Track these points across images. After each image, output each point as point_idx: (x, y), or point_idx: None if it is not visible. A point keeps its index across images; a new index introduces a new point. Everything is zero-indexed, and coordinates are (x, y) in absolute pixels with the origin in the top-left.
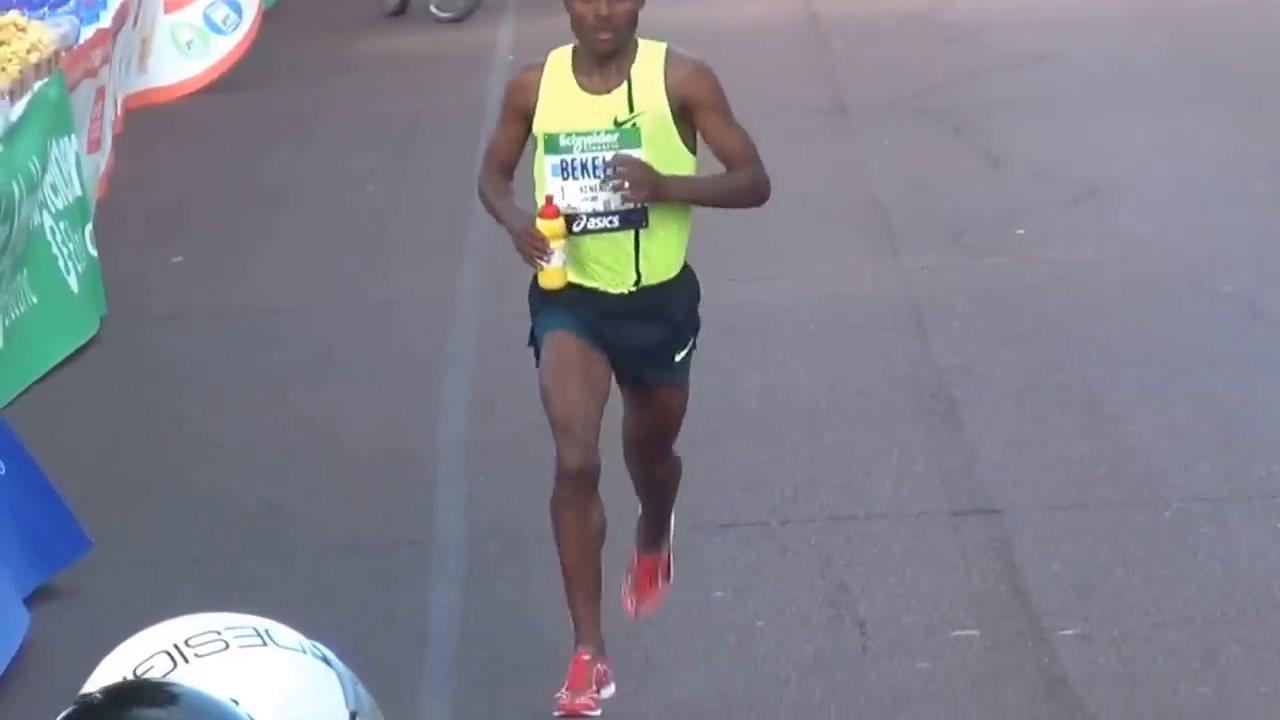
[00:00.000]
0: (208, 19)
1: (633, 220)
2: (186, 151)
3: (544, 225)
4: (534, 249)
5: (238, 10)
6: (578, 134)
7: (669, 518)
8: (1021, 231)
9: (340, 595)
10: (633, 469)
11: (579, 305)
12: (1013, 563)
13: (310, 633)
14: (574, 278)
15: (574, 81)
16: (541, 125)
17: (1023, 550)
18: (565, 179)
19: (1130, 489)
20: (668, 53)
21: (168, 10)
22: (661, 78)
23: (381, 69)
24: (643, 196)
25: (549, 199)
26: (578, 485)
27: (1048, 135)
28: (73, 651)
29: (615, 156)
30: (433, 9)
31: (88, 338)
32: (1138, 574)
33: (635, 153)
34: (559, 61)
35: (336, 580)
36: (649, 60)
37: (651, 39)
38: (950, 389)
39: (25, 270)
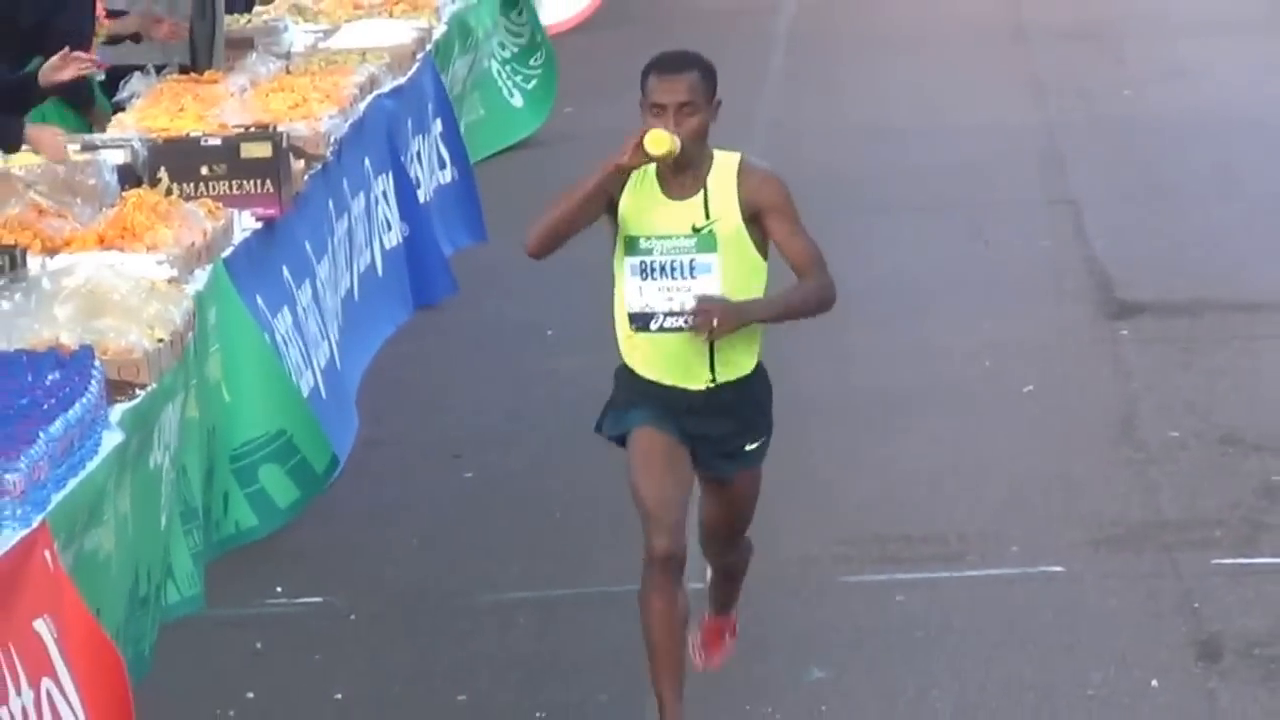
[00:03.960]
0: None
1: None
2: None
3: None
4: (638, 136)
5: None
6: (658, 238)
7: (739, 591)
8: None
9: None
10: (709, 556)
11: (659, 400)
12: None
13: None
14: (651, 375)
15: (656, 185)
16: (625, 227)
17: None
18: (644, 279)
19: None
20: (741, 162)
21: None
22: (735, 187)
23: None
24: (728, 331)
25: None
26: (664, 569)
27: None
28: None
29: (699, 299)
30: None
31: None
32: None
33: (711, 259)
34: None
35: None
36: (724, 170)
37: (728, 149)
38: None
39: (476, 92)
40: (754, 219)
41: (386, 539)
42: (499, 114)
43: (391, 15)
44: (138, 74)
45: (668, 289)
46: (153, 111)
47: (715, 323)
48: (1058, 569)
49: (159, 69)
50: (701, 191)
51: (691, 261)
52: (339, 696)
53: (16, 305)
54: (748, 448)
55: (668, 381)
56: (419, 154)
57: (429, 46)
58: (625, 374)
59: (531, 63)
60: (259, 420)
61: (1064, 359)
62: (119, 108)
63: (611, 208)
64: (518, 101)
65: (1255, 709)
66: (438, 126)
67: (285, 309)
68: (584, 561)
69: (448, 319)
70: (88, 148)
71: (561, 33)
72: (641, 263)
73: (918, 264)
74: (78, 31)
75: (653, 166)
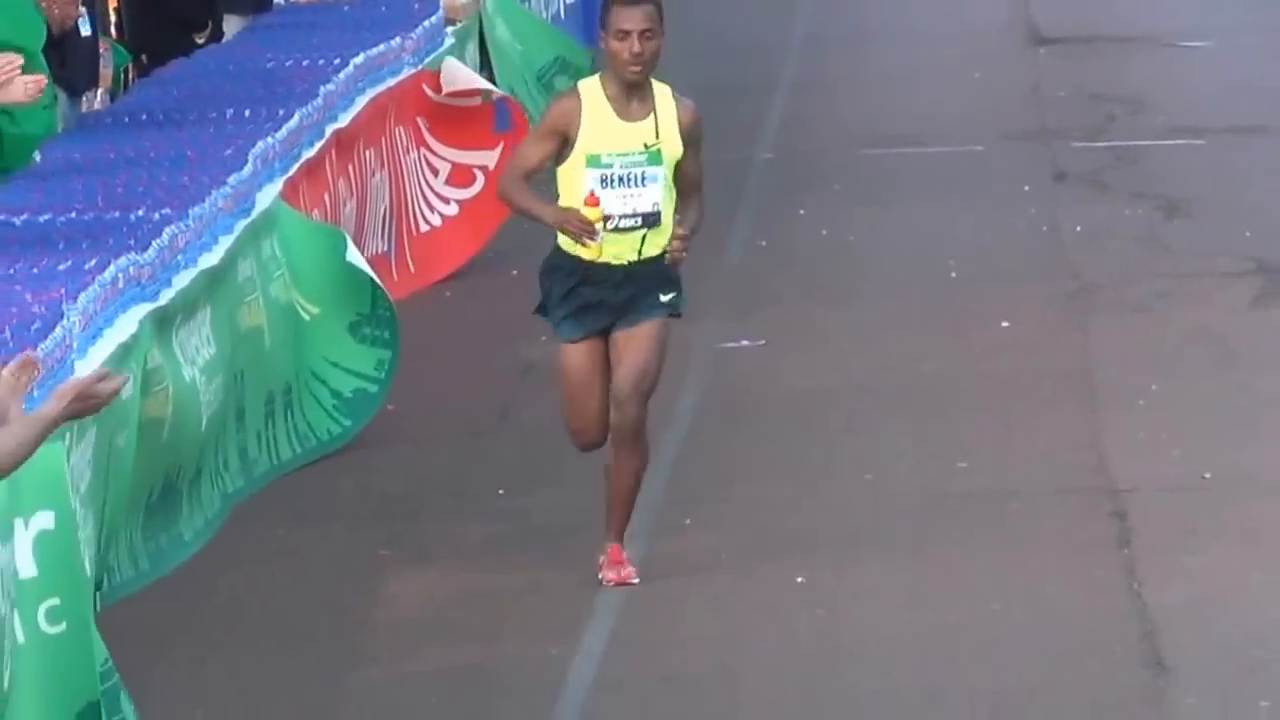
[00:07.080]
0: None
1: (650, 221)
2: None
3: (590, 212)
4: (586, 229)
5: None
6: (617, 154)
7: (630, 516)
8: None
9: None
10: (614, 428)
11: (585, 288)
12: None
13: None
14: (587, 255)
15: (610, 110)
16: (586, 146)
17: None
18: (605, 189)
19: None
20: (673, 95)
21: None
22: (674, 114)
23: None
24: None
25: (591, 193)
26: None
27: None
28: None
29: (676, 243)
30: None
31: None
32: None
33: (658, 170)
34: (592, 91)
35: None
36: (663, 99)
37: (656, 79)
38: None
39: None
40: (685, 143)
41: None
42: None
43: None
44: None
45: (624, 196)
46: None
47: (684, 256)
48: (979, 148)
49: None
50: (652, 116)
51: (643, 173)
52: None
53: None
54: (662, 298)
55: (600, 260)
56: None
57: None
58: (558, 257)
59: None
60: (543, 53)
61: (999, 63)
62: None
63: (562, 142)
64: None
65: (1085, 210)
66: None
67: None
68: None
69: None
70: None
71: None
72: (603, 175)
73: (908, 36)
74: None
75: (606, 90)
